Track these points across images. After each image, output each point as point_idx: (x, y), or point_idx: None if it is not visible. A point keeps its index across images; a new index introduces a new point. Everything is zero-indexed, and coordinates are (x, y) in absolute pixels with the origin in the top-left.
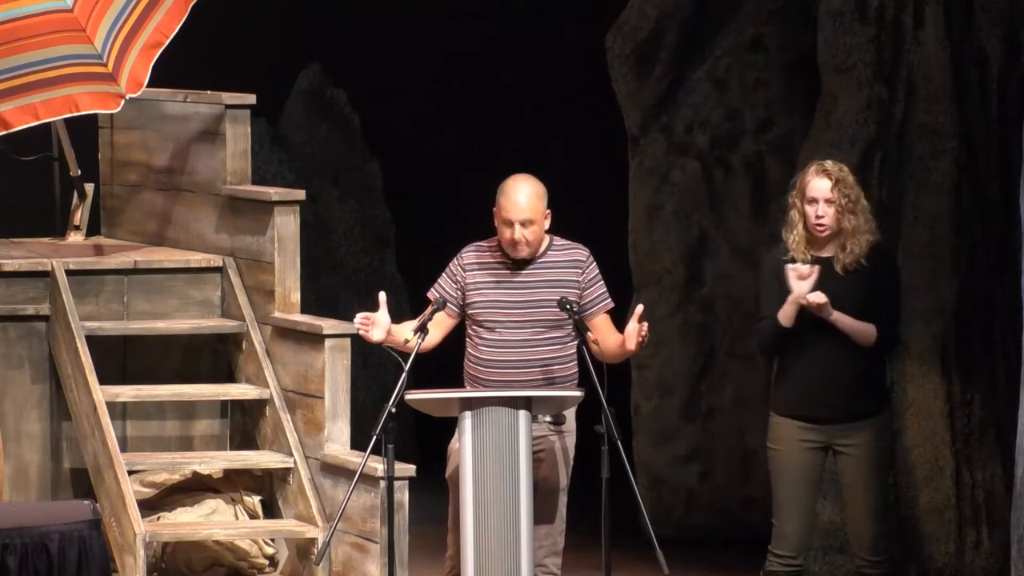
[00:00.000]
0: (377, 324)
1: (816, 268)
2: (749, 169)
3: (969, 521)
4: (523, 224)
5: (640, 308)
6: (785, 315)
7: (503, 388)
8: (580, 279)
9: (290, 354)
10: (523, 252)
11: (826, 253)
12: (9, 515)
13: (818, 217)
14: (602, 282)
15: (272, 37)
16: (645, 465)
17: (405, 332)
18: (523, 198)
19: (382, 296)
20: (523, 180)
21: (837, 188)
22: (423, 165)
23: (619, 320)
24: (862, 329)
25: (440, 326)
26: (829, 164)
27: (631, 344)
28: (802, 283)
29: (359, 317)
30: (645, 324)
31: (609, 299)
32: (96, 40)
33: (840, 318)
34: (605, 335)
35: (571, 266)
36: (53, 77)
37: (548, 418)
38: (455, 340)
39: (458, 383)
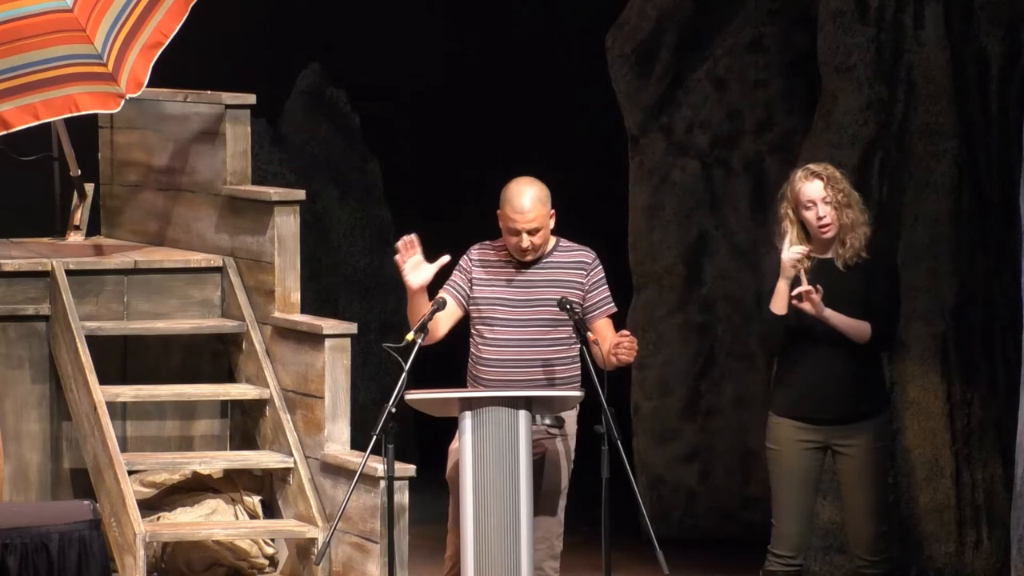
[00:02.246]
0: (419, 267)
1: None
2: (749, 169)
3: (969, 521)
4: (530, 232)
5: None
6: (779, 298)
7: (504, 387)
8: (584, 280)
9: (290, 354)
10: (530, 257)
11: (826, 254)
12: (9, 515)
13: (820, 219)
14: (606, 286)
15: (272, 37)
16: (645, 465)
17: (426, 305)
18: (528, 205)
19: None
20: (527, 186)
21: (830, 186)
22: (423, 165)
23: (621, 322)
24: (856, 326)
25: (449, 318)
26: (814, 166)
27: (618, 354)
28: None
29: (403, 240)
30: (633, 339)
31: (612, 304)
32: (96, 40)
33: (832, 315)
34: (605, 339)
35: (575, 267)
36: (53, 77)
37: (547, 420)
38: (455, 340)
39: (458, 383)
